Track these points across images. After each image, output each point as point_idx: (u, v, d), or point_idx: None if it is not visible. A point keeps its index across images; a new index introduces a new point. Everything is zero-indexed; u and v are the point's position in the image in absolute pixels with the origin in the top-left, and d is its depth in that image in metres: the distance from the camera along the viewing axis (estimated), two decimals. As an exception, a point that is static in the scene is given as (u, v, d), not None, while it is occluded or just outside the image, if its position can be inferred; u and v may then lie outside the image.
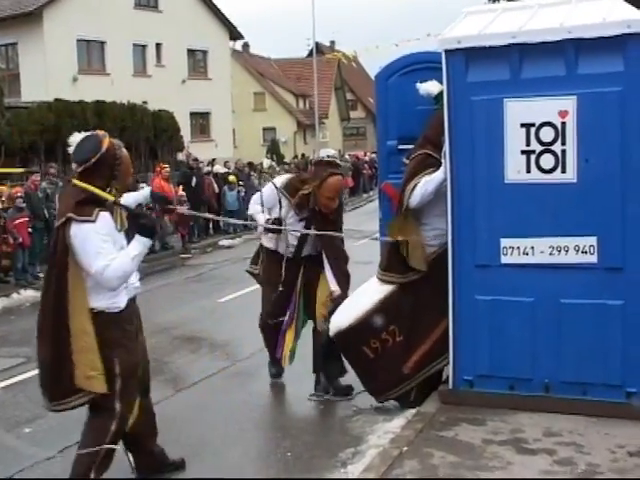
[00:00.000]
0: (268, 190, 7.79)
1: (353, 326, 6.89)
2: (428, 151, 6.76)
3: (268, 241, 7.85)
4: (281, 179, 8.00)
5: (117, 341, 5.20)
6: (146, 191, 6.21)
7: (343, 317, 6.98)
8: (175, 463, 6.00)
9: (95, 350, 5.10)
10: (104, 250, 4.97)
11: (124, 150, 5.31)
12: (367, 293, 7.00)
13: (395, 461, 5.66)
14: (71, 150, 5.25)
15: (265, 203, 7.77)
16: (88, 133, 5.30)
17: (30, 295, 14.78)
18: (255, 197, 7.98)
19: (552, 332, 6.33)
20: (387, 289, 6.89)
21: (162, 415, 7.28)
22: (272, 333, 7.90)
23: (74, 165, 5.26)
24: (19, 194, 15.83)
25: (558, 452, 5.66)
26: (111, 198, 5.17)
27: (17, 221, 15.39)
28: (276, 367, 8.13)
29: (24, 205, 15.63)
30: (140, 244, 5.13)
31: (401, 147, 7.21)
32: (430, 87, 6.83)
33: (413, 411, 6.74)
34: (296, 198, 7.57)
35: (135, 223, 5.22)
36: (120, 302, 5.23)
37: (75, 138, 5.27)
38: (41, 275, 15.90)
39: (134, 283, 5.43)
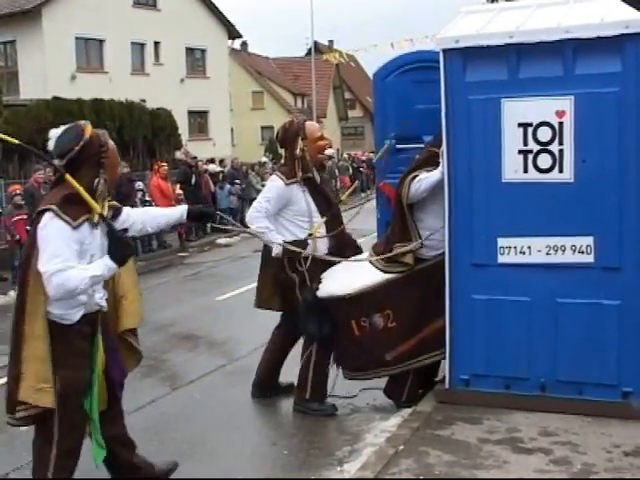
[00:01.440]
0: (276, 189, 7.15)
1: (349, 297, 6.79)
2: (436, 149, 6.75)
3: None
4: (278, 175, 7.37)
5: (61, 356, 4.67)
6: (182, 209, 5.59)
7: (337, 285, 6.87)
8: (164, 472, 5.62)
9: (47, 360, 4.62)
10: (64, 255, 4.51)
11: (109, 140, 4.91)
12: (370, 271, 6.89)
13: (391, 460, 5.67)
14: (51, 145, 4.85)
15: (276, 205, 7.10)
16: (67, 125, 4.92)
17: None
18: (257, 207, 7.16)
19: (548, 331, 6.34)
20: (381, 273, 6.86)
21: (159, 413, 7.32)
22: None
23: (57, 160, 4.76)
24: (18, 191, 15.83)
25: (554, 451, 5.67)
26: (98, 211, 4.71)
27: (15, 218, 15.39)
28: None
29: (23, 202, 15.62)
30: (104, 267, 4.62)
31: (399, 146, 7.21)
32: None
33: (409, 410, 6.75)
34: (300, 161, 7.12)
35: (111, 246, 4.71)
36: (73, 316, 4.73)
37: (54, 132, 4.90)
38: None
39: (99, 300, 4.91)
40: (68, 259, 4.51)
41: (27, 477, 6.10)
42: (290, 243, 7.05)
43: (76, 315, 4.74)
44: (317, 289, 6.91)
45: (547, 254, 6.29)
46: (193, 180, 22.01)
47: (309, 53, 51.76)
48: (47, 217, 4.55)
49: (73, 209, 4.61)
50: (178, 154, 26.80)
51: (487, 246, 6.44)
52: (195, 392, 8.02)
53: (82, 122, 4.92)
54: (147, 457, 5.62)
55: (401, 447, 5.88)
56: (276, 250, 7.03)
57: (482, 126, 6.38)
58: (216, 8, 41.64)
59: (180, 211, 5.55)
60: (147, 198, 19.36)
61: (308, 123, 7.32)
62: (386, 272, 6.84)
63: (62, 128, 4.89)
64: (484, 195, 6.41)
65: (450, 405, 6.61)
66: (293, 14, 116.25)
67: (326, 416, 7.04)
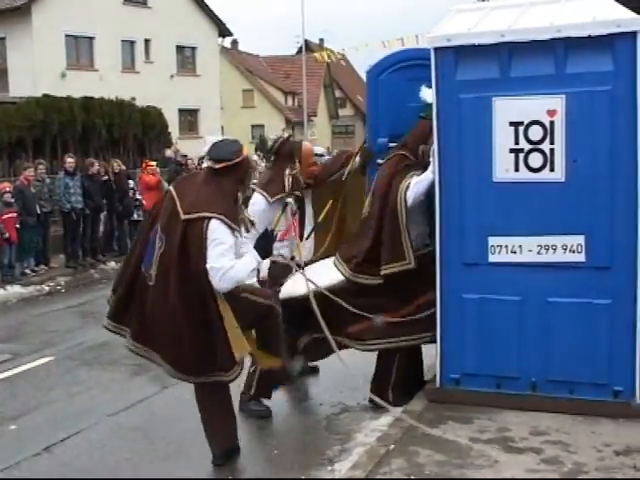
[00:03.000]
0: (260, 206, 7.00)
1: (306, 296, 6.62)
2: (404, 153, 6.81)
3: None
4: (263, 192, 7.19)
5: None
6: (265, 264, 6.64)
7: (297, 287, 6.72)
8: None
9: (237, 324, 5.64)
10: (229, 255, 5.45)
11: (254, 160, 5.73)
12: (327, 273, 6.87)
13: (382, 459, 5.66)
14: (206, 148, 5.70)
15: (261, 226, 6.56)
16: (228, 137, 5.94)
17: (16, 291, 14.72)
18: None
19: (539, 331, 6.34)
20: (341, 276, 6.84)
21: (149, 412, 7.31)
22: None
23: (209, 162, 5.64)
24: (7, 189, 15.75)
25: (545, 451, 5.67)
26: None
27: (5, 216, 15.31)
28: None
29: (12, 200, 15.54)
30: (256, 261, 5.76)
31: (392, 144, 7.18)
32: (426, 94, 6.80)
33: (400, 409, 6.73)
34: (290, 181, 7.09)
35: (261, 244, 5.90)
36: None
37: (211, 138, 5.86)
38: (28, 272, 15.89)
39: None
40: (232, 259, 5.47)
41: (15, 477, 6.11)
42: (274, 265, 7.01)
43: None
44: (279, 292, 6.83)
45: (538, 253, 6.29)
46: (183, 177, 21.95)
47: (300, 52, 51.70)
48: (217, 223, 5.44)
49: (233, 216, 5.56)
50: (168, 152, 26.72)
51: (478, 245, 6.43)
52: (185, 391, 7.93)
53: (239, 141, 5.86)
54: (136, 456, 5.61)
55: (392, 446, 5.88)
56: (262, 273, 7.03)
57: (473, 125, 6.37)
58: (207, 6, 41.52)
59: (266, 263, 6.69)
60: (138, 196, 19.29)
61: (304, 146, 7.37)
62: (351, 280, 6.80)
63: (218, 137, 5.88)
64: (475, 194, 6.41)
65: (441, 404, 6.61)
66: (284, 12, 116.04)
67: (260, 418, 7.03)
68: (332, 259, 7.03)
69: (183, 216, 5.55)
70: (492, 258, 6.42)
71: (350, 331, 6.86)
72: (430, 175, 6.55)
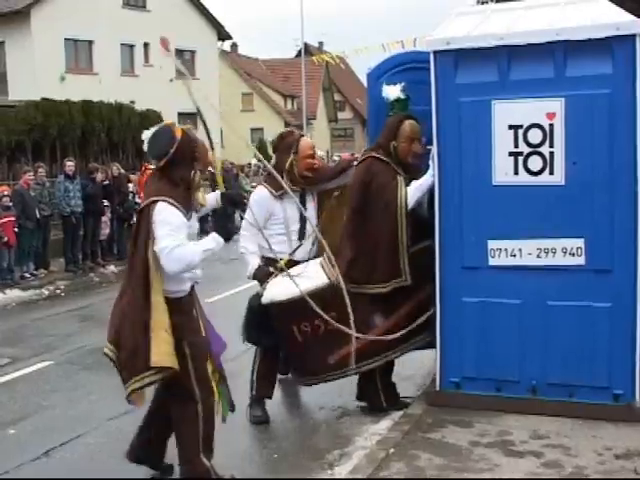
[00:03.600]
0: (258, 199, 7.10)
1: (287, 302, 6.64)
2: (376, 154, 6.80)
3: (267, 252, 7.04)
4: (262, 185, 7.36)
5: (184, 325, 5.30)
6: (216, 193, 5.98)
7: (281, 291, 6.70)
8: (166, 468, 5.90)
9: (169, 330, 5.18)
10: (177, 235, 5.09)
11: (194, 133, 5.51)
12: (311, 276, 6.72)
13: (382, 463, 5.65)
14: (145, 147, 5.43)
15: (259, 218, 6.79)
16: (157, 127, 5.51)
17: (15, 295, 14.72)
18: (244, 226, 7.10)
19: (539, 334, 6.34)
20: (326, 280, 6.69)
21: (148, 416, 7.26)
22: None
23: (154, 161, 5.49)
24: (5, 193, 15.75)
25: (545, 454, 5.67)
26: (222, 188, 5.63)
27: (3, 220, 15.31)
28: None
29: (10, 204, 15.54)
30: (214, 242, 5.32)
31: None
32: (390, 91, 6.84)
33: (400, 413, 6.74)
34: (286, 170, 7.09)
35: (220, 223, 5.57)
36: (186, 288, 5.40)
37: (146, 134, 5.46)
38: (28, 276, 15.89)
39: (199, 274, 5.53)
40: (183, 239, 5.13)
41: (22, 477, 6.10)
42: (267, 259, 7.00)
43: (187, 288, 5.39)
44: (261, 295, 6.85)
45: (538, 256, 6.29)
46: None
47: (299, 55, 51.73)
48: (162, 205, 5.12)
49: (183, 201, 5.22)
50: (168, 156, 26.75)
51: (478, 249, 6.43)
52: (185, 395, 7.97)
53: (170, 123, 5.58)
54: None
55: (392, 450, 5.87)
56: (248, 273, 7.10)
57: (472, 128, 6.37)
58: (206, 9, 41.58)
59: (215, 195, 5.99)
60: (137, 200, 19.29)
61: (303, 139, 7.26)
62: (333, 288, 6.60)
63: (152, 131, 5.47)
64: (474, 197, 6.40)
65: (441, 408, 6.60)
66: (283, 16, 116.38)
67: (258, 424, 7.05)
68: (319, 262, 6.95)
69: (138, 209, 5.51)
70: (492, 261, 6.42)
71: (331, 362, 6.83)
72: (429, 180, 6.55)
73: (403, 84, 6.82)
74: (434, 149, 6.46)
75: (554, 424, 6.17)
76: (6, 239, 15.28)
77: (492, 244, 6.40)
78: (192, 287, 5.52)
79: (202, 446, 5.40)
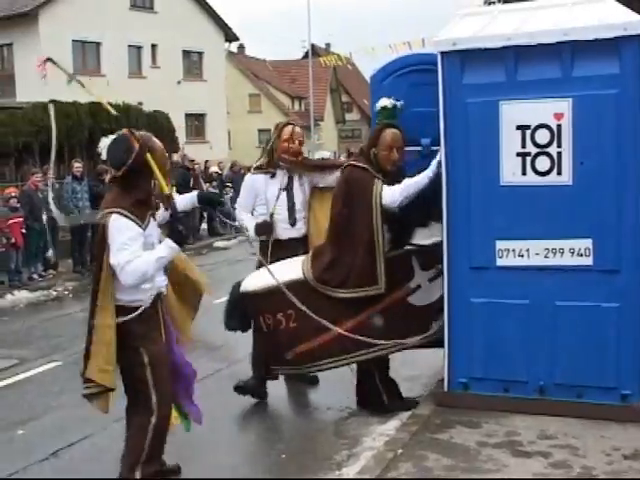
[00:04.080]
0: (245, 180, 8.07)
1: (256, 293, 6.95)
2: (355, 162, 6.93)
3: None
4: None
5: (145, 333, 5.29)
6: (193, 194, 6.11)
7: (253, 281, 7.05)
8: (172, 470, 5.87)
9: (112, 344, 5.15)
10: (130, 247, 5.06)
11: (154, 139, 5.40)
12: (283, 271, 6.86)
13: (390, 463, 5.65)
14: (104, 156, 5.36)
15: (246, 194, 7.90)
16: (115, 136, 5.38)
17: (24, 296, 14.76)
18: (239, 202, 8.08)
19: (547, 335, 6.32)
20: (302, 276, 6.86)
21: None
22: None
23: (113, 170, 5.34)
24: (13, 194, 15.80)
25: (553, 455, 5.66)
26: (166, 190, 5.34)
27: (11, 221, 15.36)
28: None
29: (18, 205, 15.58)
30: (168, 248, 5.21)
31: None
32: (383, 102, 6.96)
33: (408, 413, 6.73)
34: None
35: (172, 227, 5.39)
36: (145, 302, 5.28)
37: (104, 142, 5.38)
38: (36, 276, 15.93)
39: (161, 284, 5.46)
40: (135, 251, 5.07)
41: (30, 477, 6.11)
42: (258, 225, 7.68)
43: (148, 300, 5.29)
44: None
45: (545, 257, 6.28)
46: (191, 183, 21.99)
47: (306, 56, 51.76)
48: (115, 217, 5.09)
49: (140, 210, 5.20)
50: (175, 157, 26.76)
51: (485, 249, 6.42)
52: (194, 397, 7.98)
53: (127, 132, 5.35)
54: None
55: (400, 451, 5.87)
56: (250, 232, 7.68)
57: (480, 129, 6.36)
58: (213, 11, 41.63)
59: (192, 195, 6.04)
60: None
61: (287, 126, 7.86)
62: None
63: (110, 139, 5.37)
64: (482, 198, 6.40)
65: (449, 408, 6.59)
66: (290, 17, 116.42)
67: (254, 396, 7.57)
68: (301, 259, 7.10)
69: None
70: (500, 262, 6.41)
71: (288, 357, 6.95)
72: (424, 180, 6.55)
73: (393, 97, 6.96)
74: (442, 150, 6.45)
75: (562, 424, 6.16)
76: (13, 240, 15.32)
77: (500, 244, 6.39)
78: (158, 299, 5.43)
79: (145, 457, 5.36)
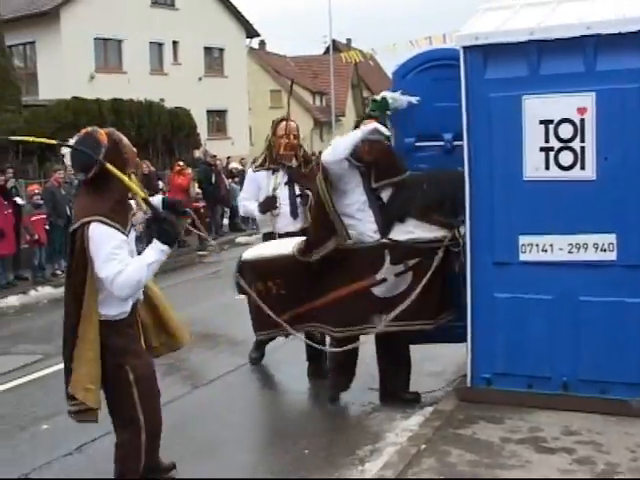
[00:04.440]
0: (247, 177, 8.63)
1: (251, 263, 7.39)
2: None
3: (267, 227, 8.27)
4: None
5: (126, 347, 5.01)
6: (158, 199, 5.62)
7: (251, 252, 7.56)
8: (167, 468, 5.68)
9: (96, 361, 4.87)
10: (118, 256, 4.73)
11: (119, 134, 5.05)
12: (279, 247, 7.40)
13: (413, 459, 5.65)
14: (68, 160, 4.97)
15: (249, 190, 8.33)
16: (77, 136, 4.93)
17: (47, 292, 14.83)
18: (242, 196, 8.60)
19: (571, 330, 6.30)
20: (290, 251, 7.10)
21: (179, 412, 7.31)
22: None
23: (81, 175, 4.92)
24: (36, 191, 15.89)
25: (577, 451, 5.63)
26: (142, 194, 5.02)
27: (34, 218, 15.45)
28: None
29: (42, 202, 15.67)
30: (158, 251, 4.85)
31: (419, 144, 7.16)
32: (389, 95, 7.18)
33: (431, 409, 6.73)
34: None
35: (158, 228, 4.92)
36: (127, 309, 5.04)
37: (66, 150, 4.97)
38: (59, 273, 16.02)
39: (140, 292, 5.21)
40: (124, 259, 4.75)
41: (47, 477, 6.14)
42: (260, 203, 8.09)
43: (129, 308, 5.04)
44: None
45: (569, 252, 6.25)
46: (213, 179, 22.05)
47: (327, 52, 51.72)
48: (94, 226, 4.72)
49: (119, 214, 4.84)
50: (197, 153, 26.85)
51: (508, 244, 6.40)
52: (216, 391, 8.02)
53: (91, 130, 4.95)
54: (166, 455, 5.63)
55: (423, 446, 5.86)
56: (257, 213, 8.16)
57: (503, 124, 6.34)
58: (234, 7, 41.70)
59: (157, 199, 5.54)
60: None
61: (281, 122, 8.18)
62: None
63: (73, 140, 4.94)
64: (505, 193, 6.38)
65: (472, 404, 6.59)
66: (311, 13, 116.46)
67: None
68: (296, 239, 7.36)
69: (70, 230, 4.96)
70: (523, 257, 6.39)
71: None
72: (357, 133, 6.73)
73: (400, 92, 7.12)
74: (465, 145, 6.44)
75: (586, 421, 6.13)
76: (37, 237, 15.41)
77: (523, 239, 6.37)
78: (134, 305, 5.16)
79: (140, 475, 5.16)
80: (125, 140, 5.04)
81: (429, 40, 25.31)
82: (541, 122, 6.23)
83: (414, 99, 7.07)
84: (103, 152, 4.78)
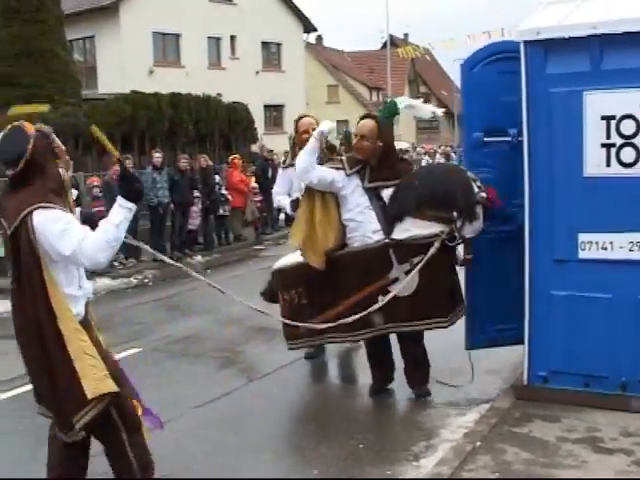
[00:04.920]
0: (281, 171, 8.76)
1: (277, 272, 7.67)
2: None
3: None
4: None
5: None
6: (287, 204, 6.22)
7: (281, 261, 7.73)
8: None
9: (94, 349, 4.52)
10: (73, 228, 4.39)
11: (48, 128, 4.68)
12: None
13: (468, 456, 5.62)
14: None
15: (282, 186, 8.54)
16: (4, 131, 4.59)
17: (105, 283, 14.99)
18: (276, 190, 8.71)
19: (630, 329, 6.21)
20: None
21: (235, 405, 7.37)
22: None
23: (9, 171, 4.52)
24: (95, 183, 16.07)
25: (635, 452, 5.54)
26: (116, 153, 4.83)
27: (93, 210, 15.62)
28: None
29: (100, 194, 15.85)
30: (126, 210, 4.55)
31: (487, 139, 7.06)
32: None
33: (487, 406, 6.70)
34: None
35: (127, 185, 4.65)
36: (81, 311, 4.66)
37: None
38: (117, 264, 16.20)
39: (88, 288, 4.84)
40: (81, 228, 4.44)
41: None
42: (292, 200, 8.18)
43: (81, 310, 4.66)
44: None
45: (630, 250, 6.16)
46: (269, 173, 22.11)
47: (384, 47, 51.60)
48: (37, 213, 4.36)
49: (58, 200, 4.49)
50: (254, 147, 26.93)
51: (568, 242, 6.33)
52: (271, 385, 8.04)
53: (17, 123, 4.58)
54: (221, 448, 5.64)
55: (478, 443, 5.83)
56: (289, 209, 8.28)
57: (563, 119, 6.27)
58: (291, 2, 41.81)
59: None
60: (223, 191, 19.54)
61: (301, 119, 8.37)
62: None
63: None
64: (565, 190, 6.31)
65: (528, 402, 6.53)
66: (368, 7, 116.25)
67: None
68: None
69: (9, 232, 4.48)
70: (582, 255, 6.31)
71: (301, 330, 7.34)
72: (312, 142, 7.02)
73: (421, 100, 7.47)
74: (525, 141, 6.37)
75: (644, 422, 6.05)
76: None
77: (582, 237, 6.29)
78: (86, 309, 4.80)
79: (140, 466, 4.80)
80: (54, 136, 4.67)
81: (488, 34, 25.05)
82: (603, 118, 6.14)
83: (439, 110, 7.15)
84: (32, 142, 4.46)
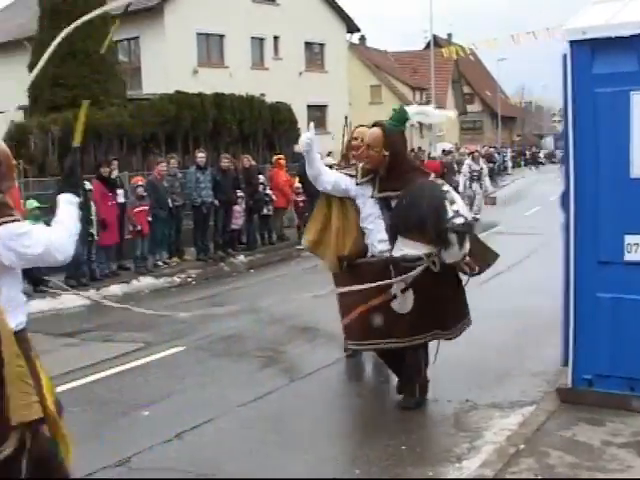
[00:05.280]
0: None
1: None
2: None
3: None
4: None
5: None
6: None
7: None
8: None
9: (28, 375, 4.06)
10: (35, 227, 4.18)
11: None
12: None
13: (511, 459, 5.58)
14: None
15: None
16: None
17: (149, 282, 15.12)
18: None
19: (676, 333, 6.13)
20: None
21: (277, 404, 7.39)
22: None
23: None
24: (140, 183, 16.20)
25: (681, 457, 5.48)
26: (78, 140, 4.59)
27: (137, 209, 15.76)
28: None
29: (145, 194, 15.97)
30: (69, 204, 4.39)
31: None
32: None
33: (530, 408, 6.65)
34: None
35: (69, 182, 4.51)
36: (24, 319, 4.26)
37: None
38: (160, 263, 16.32)
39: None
40: (42, 227, 4.25)
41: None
42: None
43: (24, 318, 4.30)
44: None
45: (677, 252, 6.09)
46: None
47: (428, 47, 51.42)
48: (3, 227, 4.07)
49: (3, 211, 4.13)
50: (296, 148, 26.97)
51: (613, 243, 6.27)
52: (313, 385, 8.06)
53: None
54: (264, 447, 5.64)
55: (522, 446, 5.79)
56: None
57: (609, 120, 6.21)
58: (335, 2, 41.79)
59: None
60: (268, 191, 19.59)
61: (357, 128, 8.44)
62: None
63: None
64: (611, 191, 6.24)
65: (572, 405, 6.49)
66: (411, 8, 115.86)
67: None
68: None
69: None
70: (628, 257, 6.25)
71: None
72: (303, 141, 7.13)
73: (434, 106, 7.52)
74: (570, 142, 6.32)
75: (691, 426, 5.97)
76: (140, 228, 15.72)
77: (628, 239, 6.22)
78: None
79: None
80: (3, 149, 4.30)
81: (532, 34, 24.90)
82: (650, 118, 6.08)
83: (453, 114, 7.07)
84: None
